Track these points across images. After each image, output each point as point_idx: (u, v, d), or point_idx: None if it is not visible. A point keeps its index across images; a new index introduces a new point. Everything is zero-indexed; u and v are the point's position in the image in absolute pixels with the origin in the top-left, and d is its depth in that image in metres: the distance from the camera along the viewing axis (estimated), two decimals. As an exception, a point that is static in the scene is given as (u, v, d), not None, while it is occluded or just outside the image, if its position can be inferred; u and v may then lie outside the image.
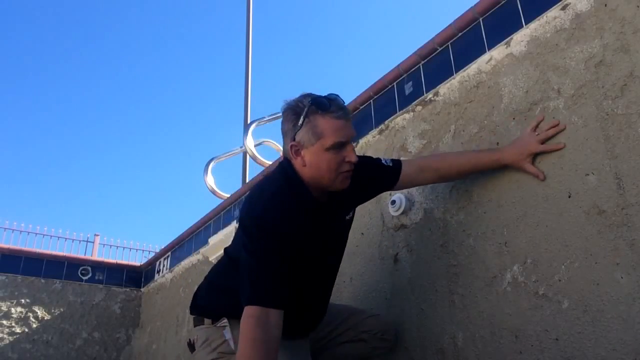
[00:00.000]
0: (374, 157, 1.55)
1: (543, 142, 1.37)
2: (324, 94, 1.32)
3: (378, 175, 1.51)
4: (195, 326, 1.47)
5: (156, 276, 3.87)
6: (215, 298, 1.45)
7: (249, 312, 1.19)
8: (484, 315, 1.45)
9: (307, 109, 1.28)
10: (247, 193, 1.43)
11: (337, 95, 1.33)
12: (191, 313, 1.49)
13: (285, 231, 1.27)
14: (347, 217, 1.48)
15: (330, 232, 1.43)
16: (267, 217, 1.28)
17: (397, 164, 1.53)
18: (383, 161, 1.52)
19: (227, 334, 1.36)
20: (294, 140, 1.31)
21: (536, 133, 1.39)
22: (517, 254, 1.40)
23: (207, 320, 1.42)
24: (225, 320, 1.38)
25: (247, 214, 1.33)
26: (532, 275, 1.35)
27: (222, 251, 1.56)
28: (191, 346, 1.48)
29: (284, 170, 1.36)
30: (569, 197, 1.31)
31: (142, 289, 4.04)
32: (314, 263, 1.39)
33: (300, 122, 1.29)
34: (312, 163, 1.30)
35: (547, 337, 1.29)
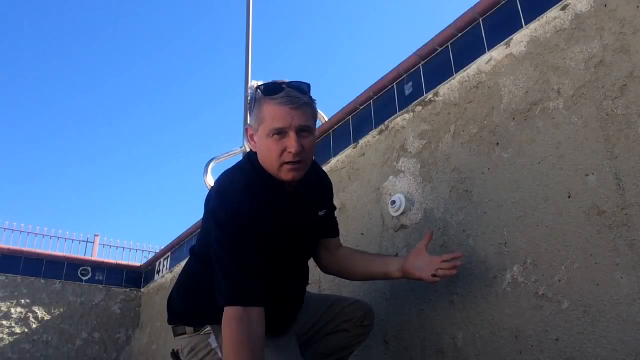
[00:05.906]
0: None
1: (435, 276, 1.35)
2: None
3: (330, 213, 1.50)
4: (176, 336, 1.41)
5: (156, 277, 3.87)
6: (192, 303, 1.39)
7: (230, 314, 1.15)
8: (484, 315, 1.45)
9: (256, 94, 1.27)
10: (215, 184, 1.35)
11: (302, 84, 1.27)
12: (170, 323, 1.42)
13: (261, 223, 1.23)
14: (320, 214, 1.43)
15: (302, 224, 1.38)
16: (243, 208, 1.23)
17: (337, 233, 1.53)
18: (335, 214, 1.52)
19: (214, 343, 1.32)
20: (250, 124, 1.31)
21: (441, 260, 1.34)
22: (517, 254, 1.40)
23: (188, 329, 1.37)
24: (209, 327, 1.33)
25: (220, 206, 1.26)
26: (532, 275, 1.35)
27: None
28: (175, 356, 1.42)
29: (250, 159, 1.34)
30: (569, 197, 1.31)
31: (142, 290, 4.04)
32: (288, 256, 1.35)
33: (252, 106, 1.29)
34: (260, 149, 1.28)
35: (547, 337, 1.29)
